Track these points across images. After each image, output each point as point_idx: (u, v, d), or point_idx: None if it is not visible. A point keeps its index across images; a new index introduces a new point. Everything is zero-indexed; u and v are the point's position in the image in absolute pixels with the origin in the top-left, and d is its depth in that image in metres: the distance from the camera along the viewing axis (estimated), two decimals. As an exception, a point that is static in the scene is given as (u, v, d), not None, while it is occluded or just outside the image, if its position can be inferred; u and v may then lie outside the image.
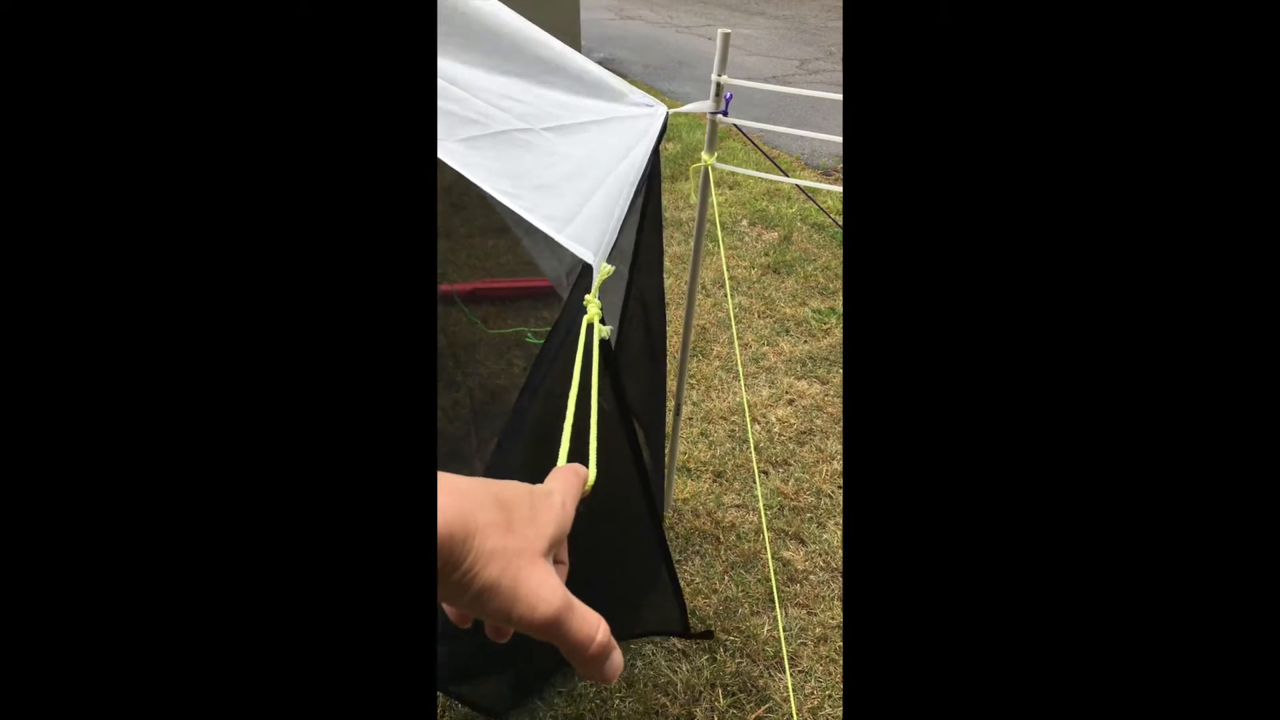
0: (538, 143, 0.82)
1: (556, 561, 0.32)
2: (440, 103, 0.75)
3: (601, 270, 0.71)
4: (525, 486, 0.33)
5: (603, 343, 0.64)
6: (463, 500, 0.28)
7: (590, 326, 0.64)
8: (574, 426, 0.50)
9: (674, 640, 1.42)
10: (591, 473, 0.42)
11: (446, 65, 0.81)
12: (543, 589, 0.29)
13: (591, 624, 0.30)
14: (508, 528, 0.29)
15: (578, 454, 0.47)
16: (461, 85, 0.80)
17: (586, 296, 0.68)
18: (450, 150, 0.70)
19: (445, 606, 0.31)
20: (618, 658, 0.31)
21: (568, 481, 0.36)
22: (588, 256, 0.71)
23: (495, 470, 0.73)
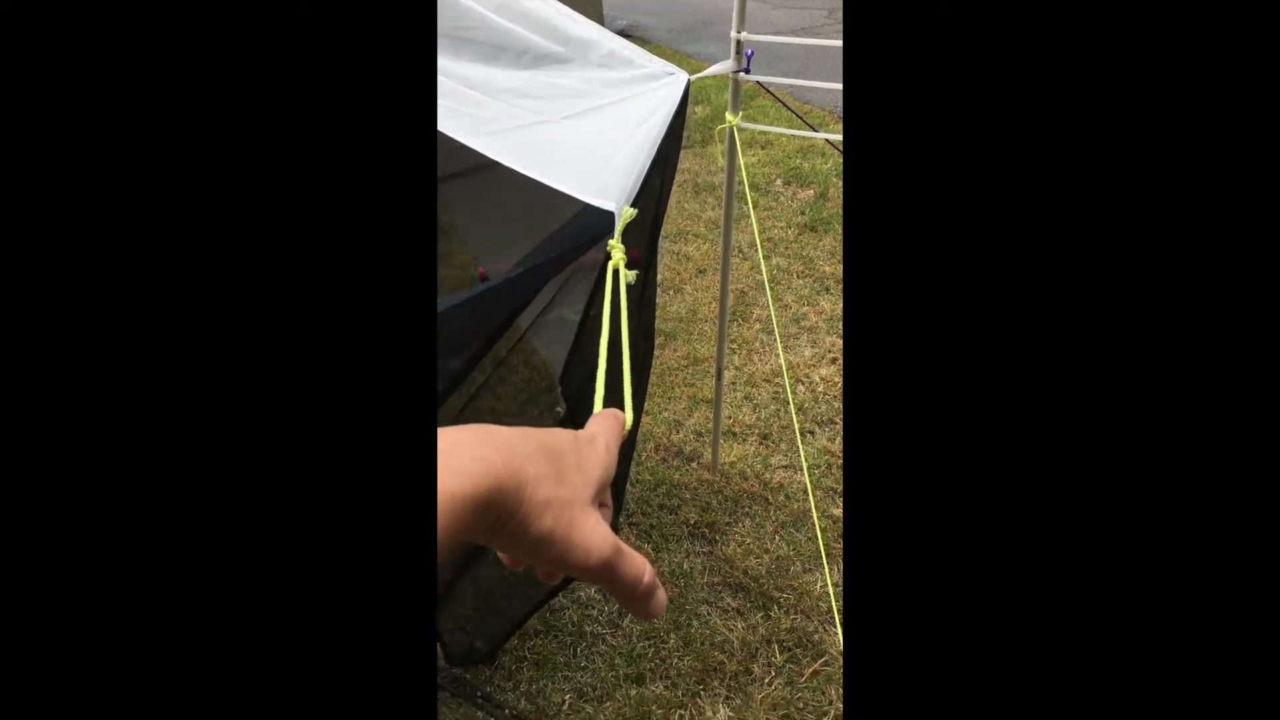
0: (555, 130, 0.83)
1: (601, 505, 0.33)
2: (459, 107, 0.77)
3: (624, 214, 0.72)
4: (569, 433, 0.34)
5: (629, 286, 0.65)
6: (511, 454, 0.28)
7: (616, 272, 0.65)
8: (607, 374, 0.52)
9: (728, 599, 1.45)
10: (628, 416, 0.43)
11: (461, 68, 0.83)
12: (595, 536, 0.30)
13: (639, 565, 0.31)
14: (558, 478, 0.30)
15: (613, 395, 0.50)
16: (478, 88, 0.82)
17: (610, 241, 0.68)
18: (472, 140, 0.72)
19: (500, 553, 0.32)
20: (662, 595, 0.33)
21: (608, 426, 0.37)
22: (609, 206, 0.72)
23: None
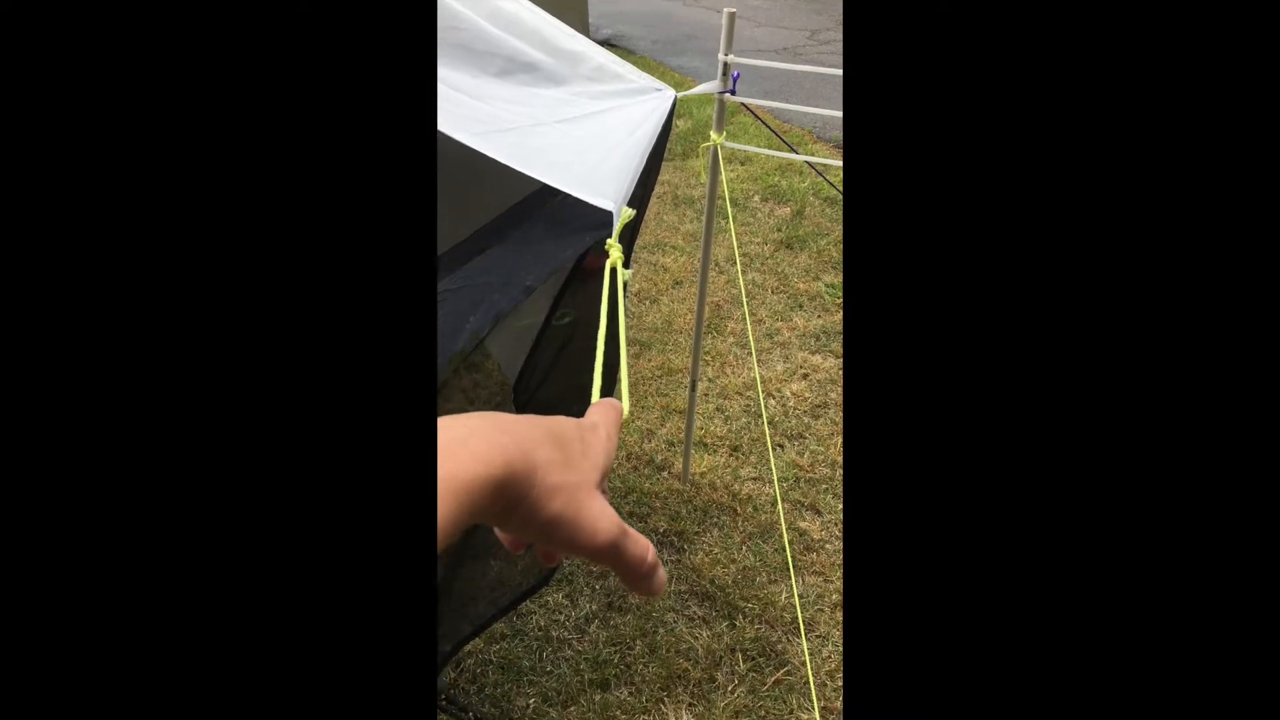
0: (549, 133, 0.85)
1: (603, 491, 0.35)
2: (450, 108, 0.78)
3: (622, 214, 0.74)
4: (573, 421, 0.35)
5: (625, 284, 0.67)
6: (523, 440, 0.30)
7: (614, 270, 0.67)
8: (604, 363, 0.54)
9: (694, 607, 1.46)
10: (625, 405, 0.45)
11: (453, 76, 0.84)
12: (602, 518, 0.31)
13: (643, 546, 0.33)
14: (565, 463, 0.31)
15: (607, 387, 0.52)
16: (468, 93, 0.84)
17: (608, 241, 0.70)
18: (464, 137, 0.73)
19: (502, 535, 0.33)
20: (663, 574, 0.35)
21: (608, 415, 0.39)
22: (607, 204, 0.73)
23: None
